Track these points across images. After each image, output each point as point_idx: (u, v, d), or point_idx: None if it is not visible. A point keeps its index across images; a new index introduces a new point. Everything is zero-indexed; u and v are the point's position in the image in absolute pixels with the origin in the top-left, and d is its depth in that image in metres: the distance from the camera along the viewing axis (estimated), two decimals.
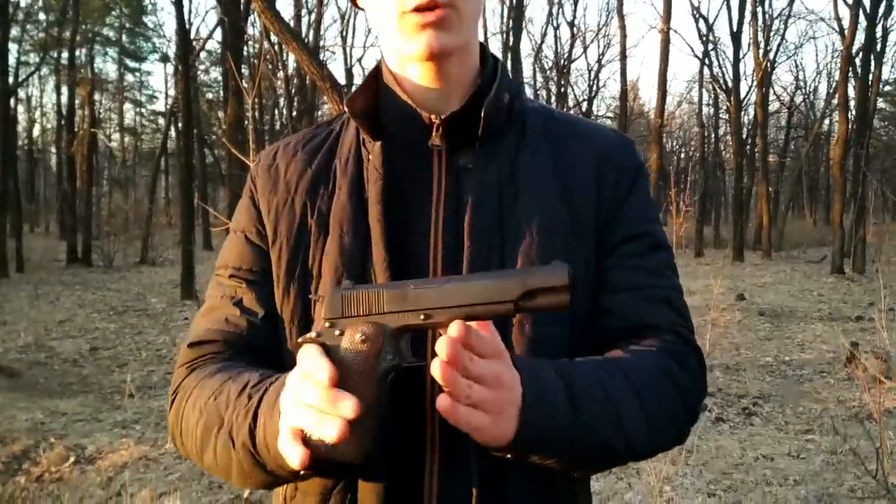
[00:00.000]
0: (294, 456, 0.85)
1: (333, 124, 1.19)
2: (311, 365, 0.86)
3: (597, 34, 32.14)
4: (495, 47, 27.08)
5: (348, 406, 0.82)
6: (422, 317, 0.88)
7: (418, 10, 0.99)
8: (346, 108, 1.12)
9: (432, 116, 1.06)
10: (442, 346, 0.82)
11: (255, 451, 0.94)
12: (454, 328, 0.84)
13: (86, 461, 5.34)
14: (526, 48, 36.24)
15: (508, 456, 0.91)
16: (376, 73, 1.13)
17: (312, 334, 0.90)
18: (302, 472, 0.91)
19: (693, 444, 5.55)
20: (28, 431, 5.98)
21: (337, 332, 0.90)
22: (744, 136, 26.64)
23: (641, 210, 1.14)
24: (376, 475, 0.98)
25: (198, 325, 1.14)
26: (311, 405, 0.84)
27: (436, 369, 0.83)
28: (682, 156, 42.62)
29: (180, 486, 4.67)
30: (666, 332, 1.07)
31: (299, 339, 0.91)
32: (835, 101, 23.16)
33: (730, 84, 24.77)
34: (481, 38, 1.14)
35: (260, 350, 1.09)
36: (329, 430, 0.83)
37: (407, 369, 0.91)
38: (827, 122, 31.96)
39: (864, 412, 6.40)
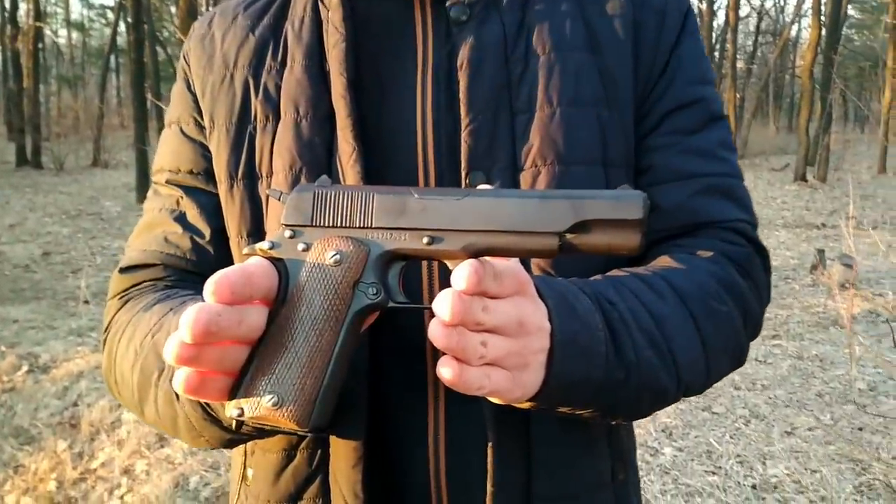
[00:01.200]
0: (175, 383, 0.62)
1: None
2: (214, 278, 0.60)
3: None
4: None
5: (175, 341, 0.58)
6: (426, 240, 0.64)
7: None
8: None
9: None
10: (445, 303, 0.59)
11: (205, 404, 0.72)
12: (463, 275, 0.59)
13: (40, 370, 5.14)
14: None
15: (529, 407, 0.71)
16: None
17: (265, 245, 0.66)
18: (268, 428, 0.70)
19: None
20: None
21: (300, 246, 0.65)
22: (713, 41, 26.28)
23: (693, 67, 0.89)
24: (353, 430, 0.77)
25: (132, 245, 0.91)
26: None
27: (436, 334, 0.60)
28: None
29: None
30: (726, 231, 0.86)
31: (244, 250, 0.67)
32: (805, 6, 22.83)
33: None
34: None
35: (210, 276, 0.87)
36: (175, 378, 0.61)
37: (394, 309, 0.67)
38: (795, 27, 31.71)
39: (829, 318, 6.44)
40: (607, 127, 0.84)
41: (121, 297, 0.89)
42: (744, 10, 33.12)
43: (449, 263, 0.65)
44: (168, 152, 0.92)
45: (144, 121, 15.01)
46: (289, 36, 0.87)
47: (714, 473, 3.72)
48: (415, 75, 0.82)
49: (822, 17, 17.95)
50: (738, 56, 28.46)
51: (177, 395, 0.74)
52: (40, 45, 24.65)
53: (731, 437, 4.15)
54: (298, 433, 0.65)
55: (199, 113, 0.90)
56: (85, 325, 6.13)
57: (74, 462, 3.90)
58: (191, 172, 0.89)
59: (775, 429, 4.26)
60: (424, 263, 0.78)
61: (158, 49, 22.59)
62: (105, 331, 0.90)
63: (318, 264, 0.64)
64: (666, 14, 0.88)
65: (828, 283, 6.93)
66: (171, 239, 0.88)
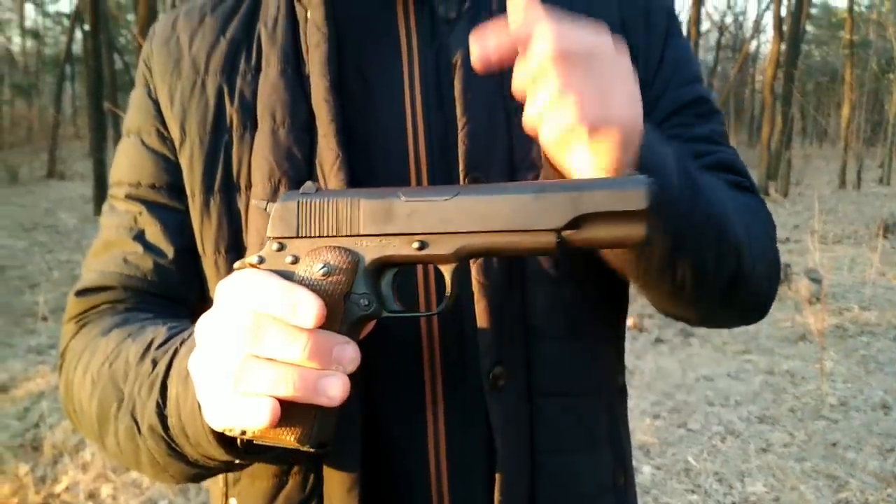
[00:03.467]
0: (252, 419, 0.59)
1: None
2: (270, 290, 0.59)
3: None
4: None
5: (347, 350, 0.59)
6: (416, 245, 0.62)
7: None
8: None
9: None
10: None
11: (168, 438, 0.69)
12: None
13: None
14: None
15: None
16: None
17: (253, 259, 0.64)
18: (237, 462, 0.67)
19: (633, 364, 5.54)
20: None
21: (289, 259, 0.63)
22: None
23: (686, 69, 0.88)
24: (347, 453, 0.74)
25: (90, 265, 0.85)
26: (279, 354, 0.58)
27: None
28: None
29: None
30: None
31: (235, 265, 0.65)
32: (764, 21, 23.34)
33: None
34: None
35: (175, 299, 0.82)
36: (328, 390, 0.58)
37: (389, 319, 0.65)
38: (755, 43, 32.47)
39: (797, 333, 6.51)
40: None
41: (77, 322, 0.84)
42: (704, 26, 33.85)
43: (443, 268, 0.63)
44: (127, 164, 0.86)
45: (102, 130, 14.73)
46: (262, 37, 0.82)
47: (693, 492, 3.70)
48: (401, 75, 0.79)
49: (784, 30, 18.34)
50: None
51: (138, 430, 0.70)
52: None
53: (707, 455, 4.14)
54: (301, 451, 0.62)
55: (163, 122, 0.84)
56: (45, 342, 5.93)
57: (37, 486, 3.74)
58: (152, 187, 0.84)
59: (751, 445, 4.27)
60: (420, 267, 0.77)
61: (116, 57, 22.20)
62: (61, 356, 0.84)
63: (307, 277, 0.62)
64: (650, 12, 0.87)
65: (795, 297, 7.00)
66: (130, 259, 0.82)
